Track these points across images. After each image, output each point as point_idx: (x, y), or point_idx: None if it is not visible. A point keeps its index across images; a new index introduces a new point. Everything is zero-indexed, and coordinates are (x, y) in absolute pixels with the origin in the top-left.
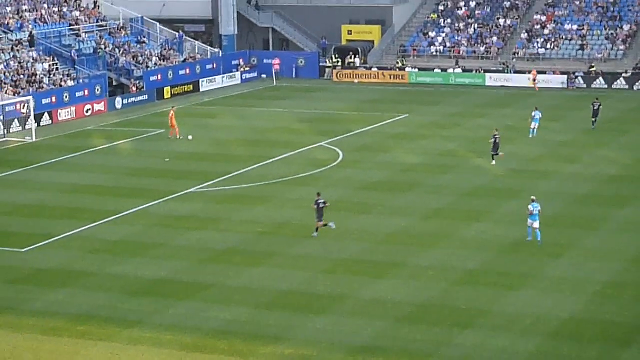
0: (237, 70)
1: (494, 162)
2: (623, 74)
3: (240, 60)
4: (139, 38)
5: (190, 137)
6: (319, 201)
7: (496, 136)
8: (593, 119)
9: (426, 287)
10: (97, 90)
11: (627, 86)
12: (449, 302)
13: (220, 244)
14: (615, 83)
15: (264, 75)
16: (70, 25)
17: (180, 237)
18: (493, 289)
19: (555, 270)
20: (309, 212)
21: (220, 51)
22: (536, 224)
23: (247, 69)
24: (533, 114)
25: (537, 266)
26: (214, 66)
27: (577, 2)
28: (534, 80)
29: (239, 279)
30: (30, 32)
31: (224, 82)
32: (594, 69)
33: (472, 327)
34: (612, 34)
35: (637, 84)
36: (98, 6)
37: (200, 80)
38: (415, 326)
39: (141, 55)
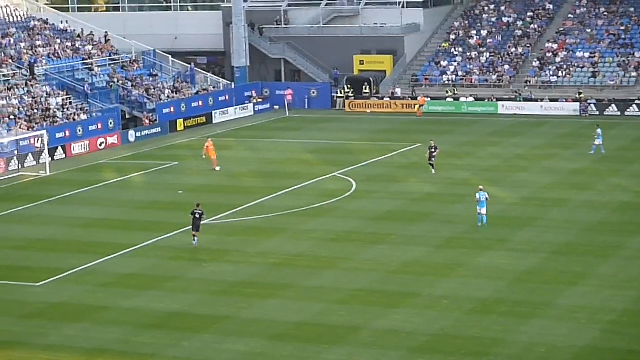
0: (250, 102)
1: (433, 170)
2: (636, 101)
3: (253, 92)
4: (151, 71)
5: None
6: (196, 211)
7: (432, 148)
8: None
9: (440, 316)
10: (111, 123)
11: None
12: (463, 331)
13: (233, 276)
14: (628, 110)
15: (276, 107)
16: (83, 59)
17: (194, 270)
18: (507, 318)
19: (570, 299)
20: (323, 243)
21: (233, 83)
22: (483, 211)
23: (259, 100)
24: (598, 131)
25: (551, 295)
26: (227, 98)
27: (589, 30)
28: (420, 106)
29: (252, 311)
30: (29, 62)
31: (236, 113)
32: (582, 95)
33: (487, 357)
34: (624, 61)
35: None
36: (109, 40)
37: (213, 112)
38: (430, 356)
39: (154, 88)
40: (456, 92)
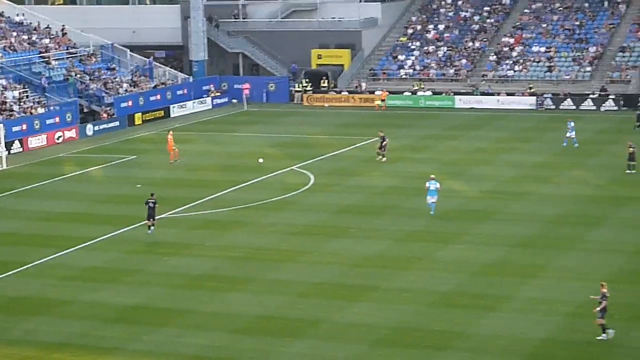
0: (208, 96)
1: (384, 158)
2: (591, 96)
3: (211, 85)
4: (109, 65)
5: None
6: (150, 201)
7: (381, 139)
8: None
9: (401, 310)
10: (68, 117)
11: (594, 107)
12: (424, 324)
13: (194, 270)
14: (583, 104)
15: (234, 101)
16: (40, 53)
17: (155, 264)
18: (468, 311)
19: (531, 292)
20: (284, 237)
21: (191, 77)
22: (433, 200)
23: (217, 94)
24: (569, 125)
25: (512, 287)
26: (185, 92)
27: (545, 25)
28: (382, 100)
29: (214, 304)
30: None
31: (195, 107)
32: (533, 89)
33: (448, 350)
34: (579, 56)
35: (604, 105)
36: (66, 33)
37: (172, 106)
38: (391, 349)
39: (112, 82)
40: (423, 86)
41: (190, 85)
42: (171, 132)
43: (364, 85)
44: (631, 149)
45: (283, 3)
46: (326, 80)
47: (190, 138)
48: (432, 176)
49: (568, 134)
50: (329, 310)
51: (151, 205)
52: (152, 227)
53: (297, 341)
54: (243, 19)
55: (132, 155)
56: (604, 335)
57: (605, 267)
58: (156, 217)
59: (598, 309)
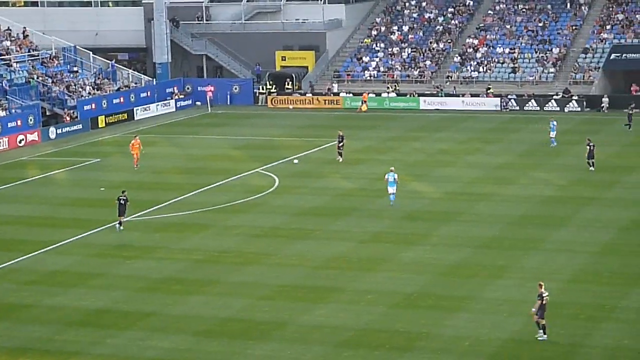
0: (172, 98)
1: (340, 158)
2: (554, 97)
3: (175, 88)
4: (72, 67)
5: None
6: (121, 198)
7: (340, 137)
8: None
9: (365, 311)
10: (31, 120)
11: (558, 108)
12: (388, 326)
13: (158, 273)
14: (547, 105)
15: (198, 103)
16: (1, 55)
17: (119, 267)
18: (432, 312)
19: (494, 292)
20: (248, 239)
21: (155, 79)
22: (392, 190)
23: (181, 96)
24: (551, 124)
25: (475, 288)
26: (149, 94)
27: (508, 26)
28: (364, 102)
29: (178, 307)
30: None
31: (158, 110)
32: (491, 91)
33: (412, 351)
34: (542, 57)
35: (567, 106)
36: (27, 36)
37: (135, 108)
38: (355, 351)
39: (75, 85)
40: (397, 88)
41: (154, 87)
42: (137, 137)
43: (335, 87)
44: (589, 146)
45: (247, 5)
46: (290, 82)
47: (154, 141)
48: (392, 168)
49: (552, 134)
50: (294, 312)
51: (122, 202)
52: (121, 225)
53: (261, 343)
54: (206, 21)
55: (95, 159)
56: (541, 333)
57: (568, 267)
58: (125, 220)
59: (534, 309)
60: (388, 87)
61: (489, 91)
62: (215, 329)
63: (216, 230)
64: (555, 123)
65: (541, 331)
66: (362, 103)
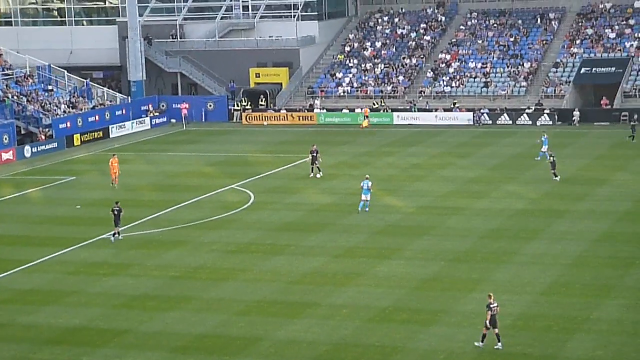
0: (147, 116)
1: (318, 174)
2: (526, 111)
3: (150, 105)
4: (46, 86)
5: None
6: (115, 208)
7: (313, 151)
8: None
9: (340, 326)
10: (5, 139)
11: (530, 122)
12: (363, 340)
13: (134, 290)
14: (519, 119)
15: (173, 120)
16: None
17: (94, 284)
18: (407, 325)
19: (467, 305)
20: (223, 255)
21: (130, 97)
22: (365, 197)
23: (156, 114)
24: (543, 138)
25: (449, 302)
26: (124, 112)
27: (480, 41)
28: (366, 117)
29: (153, 324)
30: None
31: (134, 128)
32: (457, 105)
33: None
34: (514, 71)
35: (539, 119)
36: (1, 55)
37: (110, 126)
38: None
39: (49, 103)
40: (384, 104)
41: (129, 105)
42: (115, 156)
43: (317, 102)
44: (552, 157)
45: (220, 22)
46: (264, 99)
47: (129, 158)
48: (367, 176)
49: (543, 148)
50: (269, 327)
51: (115, 212)
52: (116, 235)
53: (236, 359)
54: (181, 38)
55: (71, 177)
56: (479, 345)
57: (540, 279)
58: (101, 238)
59: (487, 320)
60: (374, 103)
61: (455, 106)
62: (191, 345)
63: (191, 246)
64: (546, 137)
65: (481, 343)
66: (364, 118)
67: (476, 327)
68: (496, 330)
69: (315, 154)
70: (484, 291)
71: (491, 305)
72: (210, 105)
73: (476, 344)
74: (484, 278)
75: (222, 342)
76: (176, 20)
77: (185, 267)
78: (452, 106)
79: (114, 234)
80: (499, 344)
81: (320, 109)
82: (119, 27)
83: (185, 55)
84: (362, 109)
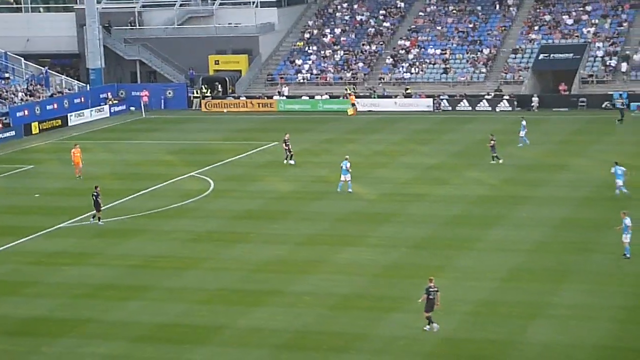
0: (106, 104)
1: (292, 162)
2: (486, 97)
3: (109, 93)
4: (3, 74)
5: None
6: (94, 193)
7: (286, 139)
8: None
9: (303, 313)
10: None
11: (490, 108)
12: (326, 327)
13: (95, 279)
14: (478, 105)
15: (132, 108)
16: None
17: (54, 274)
18: (369, 312)
19: None
20: (184, 244)
21: (88, 85)
22: (344, 178)
23: (115, 102)
24: (522, 124)
25: (411, 288)
26: (82, 100)
27: (439, 28)
28: (353, 104)
29: (114, 313)
30: None
31: (92, 116)
32: (409, 91)
33: (350, 352)
34: (473, 57)
35: (499, 105)
36: None
37: (69, 114)
38: (293, 353)
39: (6, 92)
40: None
41: (88, 93)
42: (77, 146)
43: (286, 90)
44: (492, 141)
45: (179, 10)
46: (222, 86)
47: (89, 147)
48: (346, 157)
49: (521, 133)
50: (231, 315)
51: (94, 197)
52: (94, 218)
53: (199, 348)
54: (139, 26)
55: (29, 165)
56: (427, 327)
57: (502, 265)
58: (60, 227)
59: (420, 300)
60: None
61: (407, 92)
62: (153, 334)
63: (152, 235)
64: (525, 123)
65: (428, 326)
66: (351, 106)
67: (438, 313)
68: (428, 314)
69: (287, 142)
70: (446, 277)
71: (430, 290)
72: (169, 93)
73: (425, 328)
74: (446, 265)
75: (183, 331)
76: (135, 7)
77: (146, 256)
78: (405, 92)
79: (94, 217)
80: (428, 326)
81: (287, 96)
82: (76, 15)
83: (144, 43)
84: (347, 96)
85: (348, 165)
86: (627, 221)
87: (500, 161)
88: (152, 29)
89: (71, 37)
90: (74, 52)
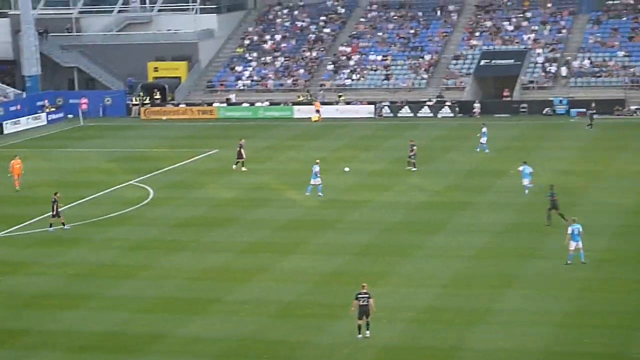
0: (43, 112)
1: (244, 168)
2: (427, 103)
3: (46, 101)
4: None
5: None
6: (52, 199)
7: (241, 144)
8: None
9: (244, 322)
10: None
11: (431, 114)
12: (268, 335)
13: (33, 289)
14: (420, 111)
15: (70, 116)
16: None
17: None
18: (311, 320)
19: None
20: (124, 252)
21: (24, 92)
22: (314, 182)
23: (53, 109)
24: (483, 130)
25: (352, 296)
26: (18, 108)
27: (380, 34)
28: (317, 111)
29: (53, 323)
30: None
31: (29, 123)
32: (342, 98)
33: (293, 359)
34: (415, 63)
35: (440, 112)
36: None
37: (4, 122)
38: None
39: None
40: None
41: (24, 100)
42: (17, 157)
43: (232, 97)
44: (413, 147)
45: (117, 16)
46: (161, 93)
47: (25, 155)
48: (317, 161)
49: (482, 140)
50: (172, 324)
51: (53, 201)
52: (54, 226)
53: (139, 357)
54: (77, 32)
55: None
56: (359, 335)
57: (444, 272)
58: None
59: (352, 307)
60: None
61: (340, 99)
62: (92, 344)
63: (91, 244)
64: (486, 129)
65: (360, 335)
66: (316, 112)
67: (381, 320)
68: (365, 321)
69: (240, 148)
70: (388, 284)
71: (359, 296)
72: (108, 100)
73: (357, 337)
74: (388, 271)
75: (124, 340)
76: (72, 13)
77: (86, 265)
78: (338, 98)
79: (51, 225)
80: (360, 335)
81: (234, 103)
82: (11, 20)
83: (82, 50)
84: (313, 102)
85: (317, 169)
86: (573, 229)
87: (414, 169)
88: (90, 35)
89: (6, 44)
90: (9, 58)
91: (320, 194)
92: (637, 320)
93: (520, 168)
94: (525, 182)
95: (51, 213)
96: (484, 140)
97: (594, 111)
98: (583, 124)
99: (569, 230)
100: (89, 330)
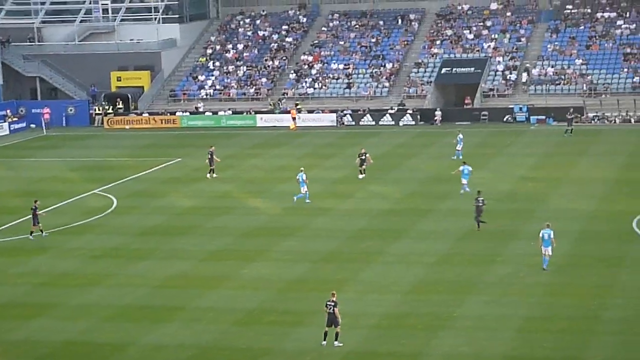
0: (5, 121)
1: (215, 175)
2: (389, 111)
3: (8, 110)
4: None
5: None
6: (32, 207)
7: (211, 151)
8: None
9: (207, 329)
10: None
11: (393, 122)
12: (231, 343)
13: None
14: (382, 120)
15: (33, 125)
16: None
17: None
18: (274, 327)
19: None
20: (88, 261)
21: None
22: (303, 190)
23: (15, 119)
24: (458, 138)
25: (316, 303)
26: None
27: (342, 43)
28: (294, 118)
29: (17, 332)
30: None
31: None
32: (299, 106)
33: None
34: (376, 72)
35: (402, 120)
36: None
37: None
38: None
39: None
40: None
41: None
42: None
43: (201, 105)
44: (361, 156)
45: (80, 26)
46: (124, 103)
47: None
48: (302, 168)
49: (458, 147)
50: (136, 332)
51: (33, 209)
52: (34, 233)
53: None
54: (39, 42)
55: None
56: (324, 342)
57: (406, 278)
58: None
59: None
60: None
61: (297, 107)
62: (57, 353)
63: (55, 252)
64: (461, 136)
65: (324, 342)
66: (292, 120)
67: (343, 327)
68: (327, 329)
69: (211, 155)
70: (350, 291)
71: (328, 303)
72: (71, 110)
73: (322, 343)
74: (350, 278)
75: (88, 348)
76: (34, 23)
77: (50, 274)
78: (295, 106)
79: (33, 232)
80: (336, 343)
81: (204, 112)
82: None
83: (44, 59)
84: (289, 111)
85: (304, 177)
86: (543, 233)
87: (361, 176)
88: (53, 45)
89: None
90: None
91: (307, 200)
92: (596, 324)
93: (460, 168)
94: (464, 181)
95: (32, 221)
96: (459, 147)
97: (573, 116)
98: (542, 131)
99: (540, 234)
100: (53, 339)
